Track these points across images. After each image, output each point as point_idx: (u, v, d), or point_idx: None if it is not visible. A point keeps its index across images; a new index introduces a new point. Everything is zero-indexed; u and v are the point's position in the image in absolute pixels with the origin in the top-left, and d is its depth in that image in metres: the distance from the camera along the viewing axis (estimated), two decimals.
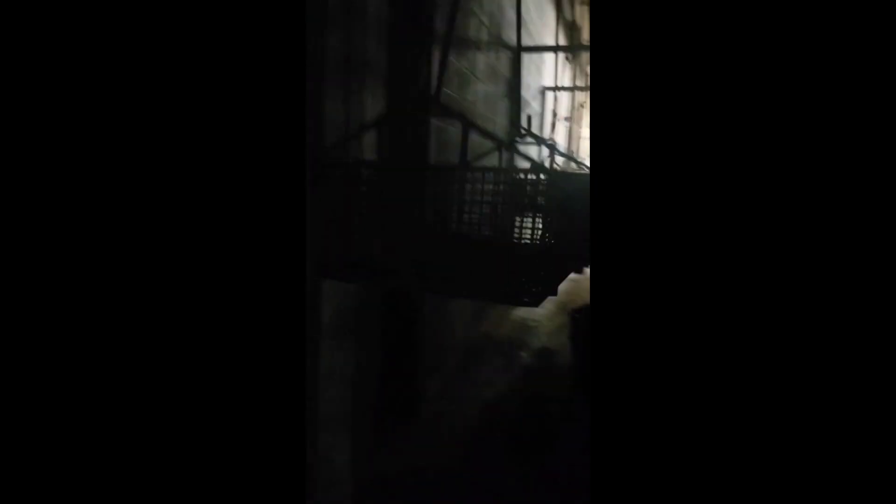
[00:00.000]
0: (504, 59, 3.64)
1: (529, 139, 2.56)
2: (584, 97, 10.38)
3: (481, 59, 3.08)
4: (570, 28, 6.70)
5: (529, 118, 2.95)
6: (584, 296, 4.79)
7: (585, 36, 7.12)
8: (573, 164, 6.01)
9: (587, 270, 6.59)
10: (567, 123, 8.13)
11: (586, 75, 8.61)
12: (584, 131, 10.86)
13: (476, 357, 3.23)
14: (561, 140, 7.67)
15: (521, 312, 4.23)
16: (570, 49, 6.62)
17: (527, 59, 4.24)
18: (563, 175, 1.52)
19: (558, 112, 6.69)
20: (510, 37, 3.66)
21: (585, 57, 8.41)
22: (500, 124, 3.68)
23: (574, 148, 9.70)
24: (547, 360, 3.33)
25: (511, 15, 3.64)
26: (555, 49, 5.69)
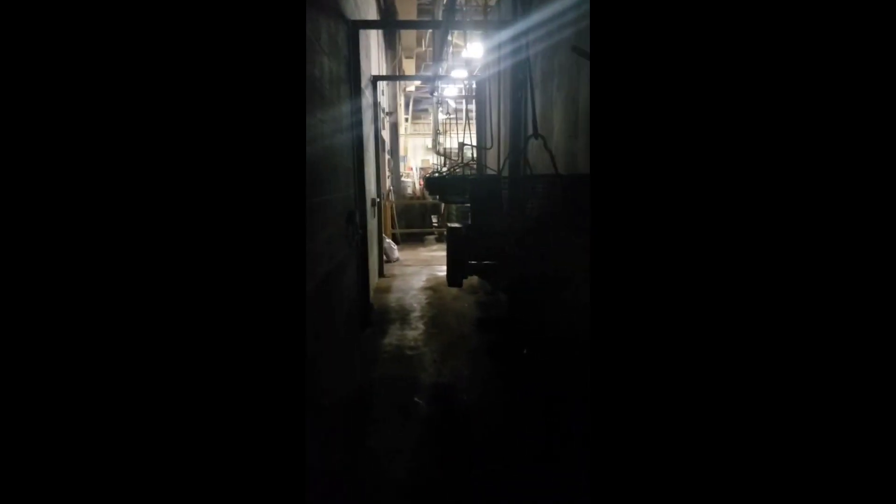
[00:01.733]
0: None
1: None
2: (404, 87, 10.03)
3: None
4: (386, 12, 6.15)
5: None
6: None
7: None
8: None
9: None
10: (391, 118, 7.65)
11: (397, 65, 8.20)
12: (403, 128, 10.56)
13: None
14: (387, 136, 7.17)
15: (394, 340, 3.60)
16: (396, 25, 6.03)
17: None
18: None
19: (384, 104, 6.15)
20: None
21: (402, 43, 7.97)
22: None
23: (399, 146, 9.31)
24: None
25: None
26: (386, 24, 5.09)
